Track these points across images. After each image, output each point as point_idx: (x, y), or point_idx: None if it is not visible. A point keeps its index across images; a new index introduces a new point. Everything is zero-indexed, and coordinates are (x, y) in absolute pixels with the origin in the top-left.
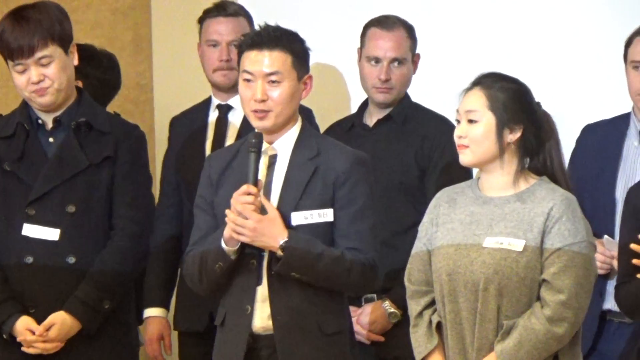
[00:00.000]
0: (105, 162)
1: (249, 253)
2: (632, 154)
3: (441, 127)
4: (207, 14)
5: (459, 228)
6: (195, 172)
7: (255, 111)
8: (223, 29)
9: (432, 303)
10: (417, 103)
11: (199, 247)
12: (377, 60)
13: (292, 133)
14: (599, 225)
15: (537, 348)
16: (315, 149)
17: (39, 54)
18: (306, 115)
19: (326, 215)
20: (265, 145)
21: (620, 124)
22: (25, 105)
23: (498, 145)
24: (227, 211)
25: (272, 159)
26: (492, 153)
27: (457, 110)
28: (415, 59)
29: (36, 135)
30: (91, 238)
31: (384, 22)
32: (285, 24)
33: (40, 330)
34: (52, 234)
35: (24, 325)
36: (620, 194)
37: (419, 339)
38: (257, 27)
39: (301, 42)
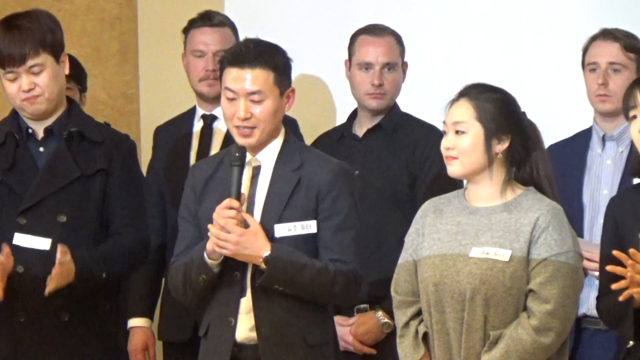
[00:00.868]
0: (98, 174)
1: (232, 265)
2: (596, 161)
3: (431, 136)
4: (192, 24)
5: (445, 238)
6: (180, 182)
7: (238, 127)
8: (209, 39)
9: (419, 313)
10: (406, 112)
11: (183, 258)
12: (369, 67)
13: (275, 145)
14: None
15: (524, 358)
16: (298, 160)
17: (30, 62)
18: (290, 125)
19: (309, 227)
20: (249, 157)
21: (582, 137)
22: (15, 115)
23: (487, 156)
24: (209, 225)
25: (256, 170)
26: (480, 164)
27: (444, 122)
28: (404, 66)
29: (26, 145)
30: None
31: (373, 30)
32: (270, 35)
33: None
34: (43, 243)
35: None
36: (587, 199)
37: (406, 349)
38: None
39: (283, 54)
